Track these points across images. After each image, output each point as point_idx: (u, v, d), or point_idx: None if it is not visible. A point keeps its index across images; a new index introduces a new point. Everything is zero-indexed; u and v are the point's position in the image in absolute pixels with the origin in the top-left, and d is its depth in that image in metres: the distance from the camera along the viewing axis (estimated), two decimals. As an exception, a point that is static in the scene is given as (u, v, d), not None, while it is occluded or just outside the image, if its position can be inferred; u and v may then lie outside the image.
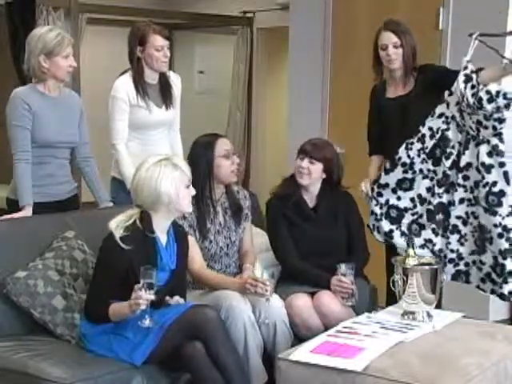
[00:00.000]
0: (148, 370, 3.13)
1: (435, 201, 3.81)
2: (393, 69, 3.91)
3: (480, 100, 3.58)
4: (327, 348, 2.96)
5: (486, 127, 3.65)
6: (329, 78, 5.39)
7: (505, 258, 3.67)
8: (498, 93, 3.57)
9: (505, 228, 3.66)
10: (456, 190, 3.77)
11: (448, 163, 3.77)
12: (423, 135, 3.82)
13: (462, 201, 3.77)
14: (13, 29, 6.81)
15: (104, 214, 3.69)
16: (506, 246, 3.67)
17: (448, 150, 3.77)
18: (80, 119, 3.89)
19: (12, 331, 3.35)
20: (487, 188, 3.67)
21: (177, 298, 3.27)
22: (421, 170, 3.86)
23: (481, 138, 3.68)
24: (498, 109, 3.59)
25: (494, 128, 3.64)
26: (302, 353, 2.96)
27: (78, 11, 6.81)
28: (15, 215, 3.64)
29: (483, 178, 3.68)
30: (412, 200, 3.89)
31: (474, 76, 3.63)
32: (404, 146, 3.87)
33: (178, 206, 3.22)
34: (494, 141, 3.66)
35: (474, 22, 4.63)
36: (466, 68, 3.67)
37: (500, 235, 3.66)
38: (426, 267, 3.31)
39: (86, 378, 2.98)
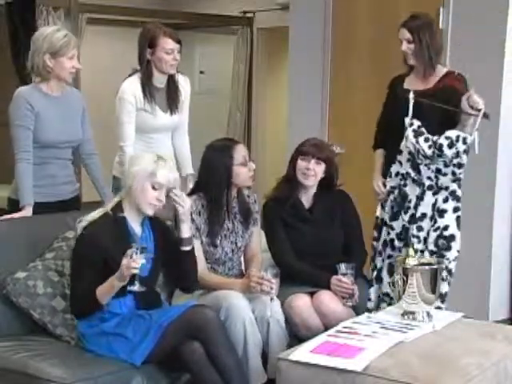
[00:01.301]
0: (148, 370, 3.13)
1: (396, 254, 3.79)
2: (411, 64, 3.88)
3: (441, 147, 3.64)
4: (327, 348, 2.96)
5: (445, 174, 3.72)
6: (329, 78, 5.39)
7: (443, 302, 3.74)
8: (457, 137, 3.63)
9: (449, 272, 3.75)
10: (411, 242, 3.78)
11: (406, 217, 3.80)
12: (387, 193, 3.89)
13: (416, 252, 3.71)
14: (13, 29, 6.81)
15: (104, 214, 3.70)
16: (447, 289, 3.75)
17: (406, 205, 3.81)
18: (82, 116, 3.88)
19: (11, 331, 3.35)
20: (438, 232, 3.74)
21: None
22: (391, 227, 3.88)
23: (439, 185, 3.75)
24: (457, 154, 3.65)
25: (453, 173, 3.72)
26: (302, 353, 2.95)
27: (77, 11, 6.81)
28: (15, 215, 3.64)
29: (435, 222, 3.74)
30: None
31: (423, 130, 3.69)
32: (380, 207, 3.94)
33: (136, 199, 3.25)
34: (453, 186, 3.76)
35: (474, 22, 4.64)
36: (411, 125, 3.72)
37: (444, 279, 3.69)
38: (426, 267, 3.31)
39: (86, 378, 2.98)
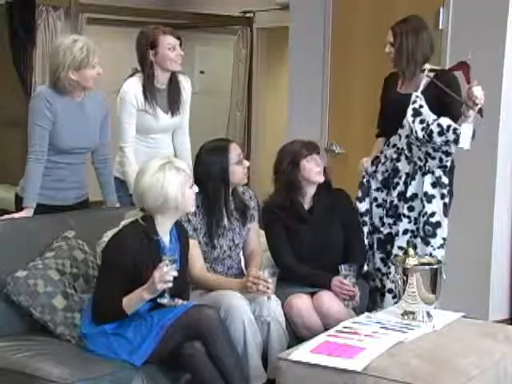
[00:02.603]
0: (148, 370, 3.13)
1: (385, 231, 3.90)
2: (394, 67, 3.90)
3: (431, 133, 3.65)
4: (327, 348, 2.97)
5: (433, 158, 3.75)
6: (329, 78, 5.39)
7: None
8: (448, 127, 3.63)
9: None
10: (401, 221, 3.83)
11: (395, 193, 3.86)
12: (379, 161, 3.95)
13: (405, 232, 3.84)
14: (13, 29, 6.81)
15: (104, 214, 3.71)
16: None
17: (395, 181, 3.86)
18: (104, 120, 3.84)
19: (12, 331, 3.34)
20: (425, 218, 3.78)
21: (180, 302, 3.28)
22: (375, 199, 3.96)
23: (427, 168, 3.78)
24: (446, 142, 3.66)
25: (441, 160, 3.75)
26: (302, 353, 2.96)
27: (78, 11, 6.81)
28: (15, 215, 3.64)
29: (423, 207, 3.78)
30: (368, 228, 3.99)
31: (422, 111, 3.69)
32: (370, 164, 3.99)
33: (183, 208, 3.23)
34: (438, 172, 3.78)
35: (474, 22, 4.64)
36: (414, 102, 3.72)
37: None
38: (426, 267, 3.31)
39: (86, 378, 2.97)
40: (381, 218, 3.93)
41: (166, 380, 3.19)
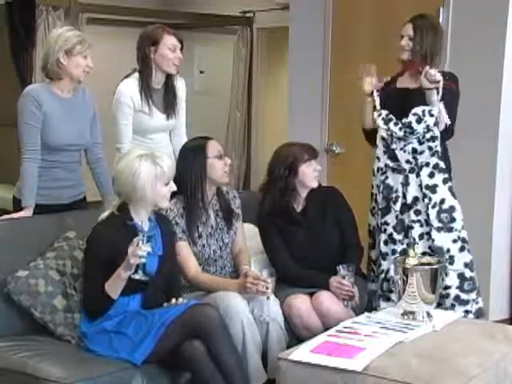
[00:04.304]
0: (148, 369, 3.13)
1: (399, 248, 3.84)
2: (402, 60, 3.91)
3: (410, 124, 3.71)
4: (327, 348, 2.96)
5: (421, 152, 3.78)
6: (329, 78, 5.39)
7: (472, 270, 3.77)
8: (423, 111, 3.69)
9: (464, 240, 3.77)
10: (413, 228, 3.81)
11: (397, 207, 3.84)
12: (374, 194, 3.94)
13: (421, 236, 3.81)
14: (13, 29, 6.81)
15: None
16: (470, 257, 3.78)
17: (393, 195, 3.85)
18: (93, 120, 3.85)
19: (12, 331, 3.35)
20: (437, 207, 3.77)
21: (181, 300, 3.29)
22: (374, 227, 3.96)
23: (419, 165, 3.79)
24: (427, 127, 3.70)
25: (430, 148, 3.77)
26: (302, 353, 2.96)
27: (77, 11, 6.80)
28: (15, 215, 3.64)
29: (430, 199, 3.77)
30: (377, 260, 3.95)
31: (391, 116, 3.78)
32: (370, 214, 3.98)
33: (151, 201, 3.24)
34: (434, 160, 3.79)
35: (474, 22, 4.64)
36: (380, 115, 3.82)
37: (462, 248, 3.77)
38: (426, 267, 3.31)
39: (86, 378, 2.98)
40: (385, 242, 3.87)
41: (166, 380, 3.20)
